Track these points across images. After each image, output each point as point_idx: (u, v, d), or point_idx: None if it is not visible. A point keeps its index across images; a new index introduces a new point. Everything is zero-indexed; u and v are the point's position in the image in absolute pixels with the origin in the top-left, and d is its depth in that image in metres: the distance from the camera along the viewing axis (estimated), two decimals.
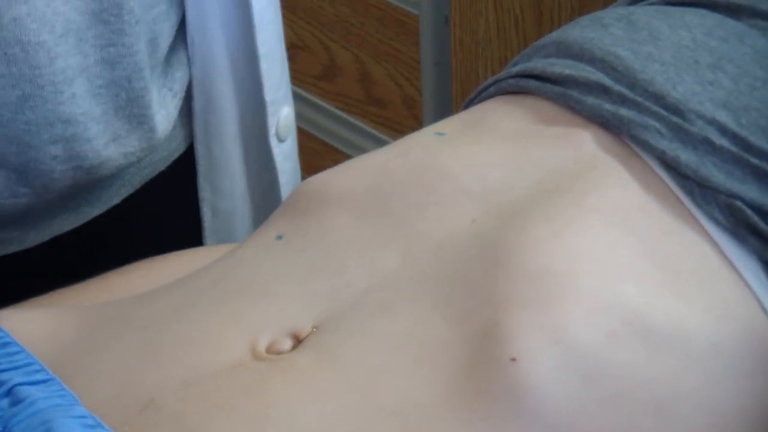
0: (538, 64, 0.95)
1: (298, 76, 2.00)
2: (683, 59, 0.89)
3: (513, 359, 0.76)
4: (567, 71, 0.91)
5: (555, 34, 0.98)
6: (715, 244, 0.81)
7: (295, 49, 1.96)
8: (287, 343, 0.81)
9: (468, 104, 1.00)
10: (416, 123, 1.81)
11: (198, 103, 1.12)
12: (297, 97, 2.03)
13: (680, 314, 0.79)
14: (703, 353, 0.78)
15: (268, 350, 0.81)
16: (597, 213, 0.84)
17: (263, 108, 1.14)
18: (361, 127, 1.94)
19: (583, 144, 0.88)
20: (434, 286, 0.82)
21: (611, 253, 0.81)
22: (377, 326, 0.80)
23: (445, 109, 1.77)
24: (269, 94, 1.13)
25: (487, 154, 0.90)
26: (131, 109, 1.05)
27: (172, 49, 1.08)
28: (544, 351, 0.76)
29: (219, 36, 1.12)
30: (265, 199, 1.19)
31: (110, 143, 1.03)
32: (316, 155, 1.81)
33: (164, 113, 1.07)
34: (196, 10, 1.10)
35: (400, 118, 1.88)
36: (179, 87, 1.09)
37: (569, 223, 0.83)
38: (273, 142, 1.14)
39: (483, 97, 0.98)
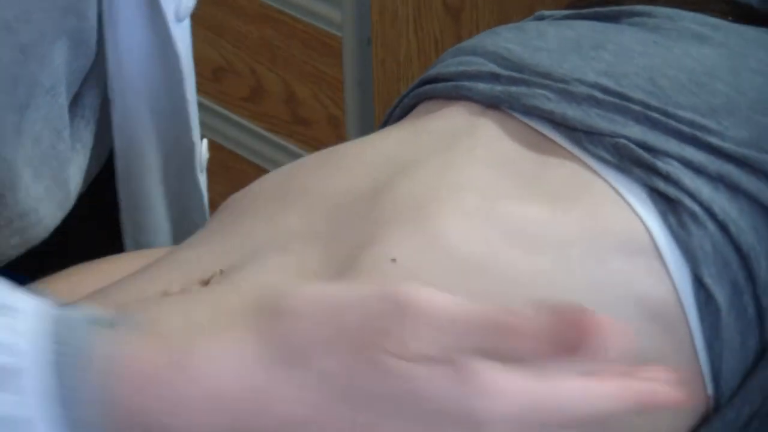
0: (435, 70, 1.02)
1: (225, 98, 2.01)
2: (568, 45, 0.96)
3: (393, 260, 0.81)
4: (460, 68, 0.98)
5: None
6: (601, 177, 0.88)
7: (222, 71, 1.99)
8: (196, 286, 0.84)
9: (384, 124, 1.06)
10: (340, 141, 1.85)
11: (119, 144, 1.10)
12: (224, 119, 2.05)
13: (557, 224, 0.86)
14: (579, 256, 0.84)
15: (181, 291, 0.85)
16: (480, 159, 0.90)
17: (190, 149, 1.14)
18: (286, 146, 1.96)
19: (473, 116, 0.95)
20: (328, 228, 0.86)
21: (492, 184, 0.87)
22: (274, 263, 0.83)
23: (367, 128, 1.80)
24: (195, 136, 1.13)
25: (386, 140, 0.97)
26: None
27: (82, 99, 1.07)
28: (424, 254, 0.81)
29: (142, 89, 1.10)
30: (192, 226, 1.18)
31: (57, 213, 1.03)
32: (243, 175, 1.82)
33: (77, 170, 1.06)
34: (117, 63, 1.07)
35: (324, 137, 1.90)
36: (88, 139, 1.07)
37: (453, 164, 0.89)
38: (199, 176, 1.15)
39: (395, 117, 1.05)
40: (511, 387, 0.61)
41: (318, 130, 1.92)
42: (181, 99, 1.11)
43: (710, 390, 0.87)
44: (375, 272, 0.82)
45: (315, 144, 1.85)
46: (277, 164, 1.87)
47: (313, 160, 0.98)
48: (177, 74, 1.10)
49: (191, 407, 0.63)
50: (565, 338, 0.61)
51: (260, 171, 1.68)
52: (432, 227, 0.84)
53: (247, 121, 1.99)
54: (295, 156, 1.90)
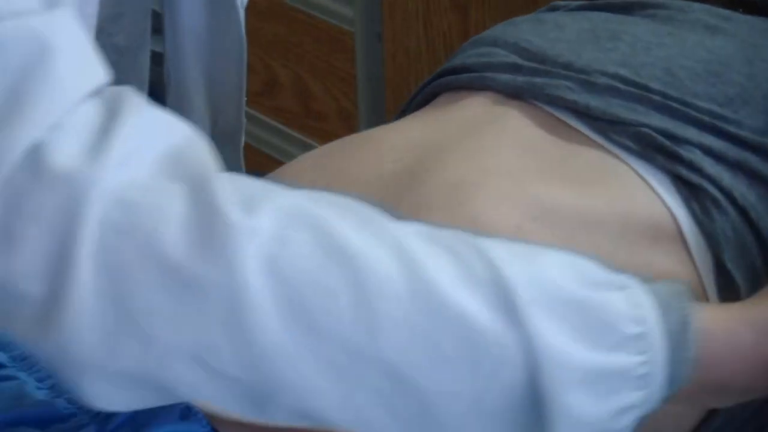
0: (457, 61, 1.03)
1: None
2: (585, 37, 0.98)
3: None
4: (483, 59, 1.00)
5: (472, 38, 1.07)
6: (626, 164, 0.90)
7: None
8: None
9: (402, 114, 1.08)
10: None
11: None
12: None
13: (586, 207, 0.88)
14: (608, 238, 0.87)
15: None
16: (508, 145, 0.92)
17: (238, 131, 1.18)
18: (300, 139, 1.97)
19: (497, 105, 0.96)
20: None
21: (521, 169, 0.89)
22: None
23: (379, 121, 1.80)
24: (242, 118, 1.18)
25: (414, 126, 0.98)
26: None
27: None
28: None
29: (199, 75, 1.13)
30: None
31: None
32: (258, 166, 1.84)
33: None
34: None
35: (336, 130, 1.90)
36: None
37: (482, 150, 0.91)
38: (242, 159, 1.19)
39: (414, 105, 1.06)
40: None
41: (330, 123, 1.92)
42: (238, 85, 1.13)
43: None
44: None
45: (327, 137, 1.85)
46: (290, 156, 1.89)
47: (347, 143, 0.99)
48: (239, 60, 1.12)
49: (758, 362, 0.74)
50: None
51: (275, 163, 1.70)
52: (468, 211, 0.86)
53: (262, 114, 2.00)
54: (308, 148, 1.93)
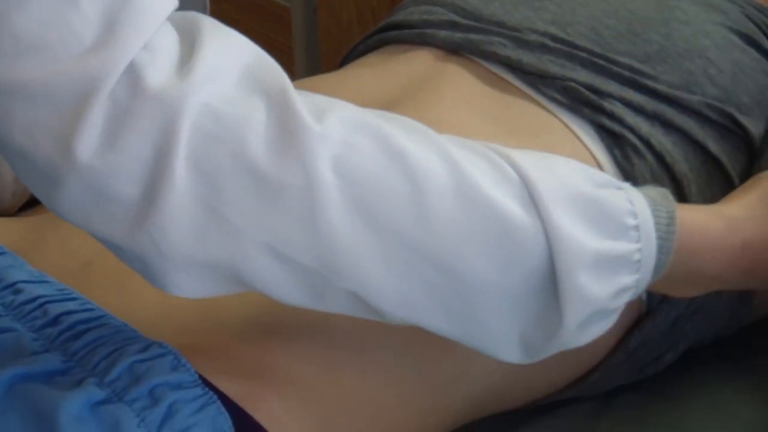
0: (399, 17, 1.08)
1: None
2: None
3: None
4: (423, 16, 1.05)
5: None
6: (556, 116, 0.95)
7: None
8: None
9: (343, 62, 1.13)
10: None
11: None
12: None
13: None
14: None
15: None
16: (451, 97, 0.97)
17: None
18: None
19: (439, 61, 1.02)
20: None
21: (462, 120, 0.94)
22: None
23: None
24: None
25: (362, 79, 1.03)
26: None
27: None
28: None
29: None
30: None
31: None
32: None
33: None
34: None
35: None
36: None
37: (429, 102, 0.97)
38: None
39: (356, 55, 1.11)
40: None
41: None
42: None
43: (643, 297, 0.94)
44: None
45: None
46: None
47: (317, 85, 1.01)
48: None
49: (726, 251, 0.82)
50: None
51: None
52: None
53: None
54: None
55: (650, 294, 0.93)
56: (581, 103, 0.96)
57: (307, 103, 0.71)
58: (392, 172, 0.71)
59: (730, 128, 0.97)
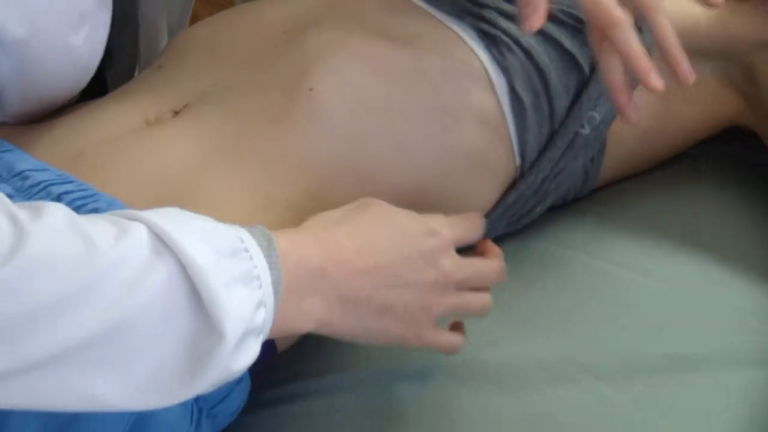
0: None
1: None
2: None
3: (310, 89, 0.99)
4: None
5: None
6: (446, 25, 1.04)
7: None
8: (168, 115, 1.02)
9: None
10: None
11: None
12: None
13: (418, 60, 1.00)
14: (443, 81, 0.99)
15: (156, 120, 1.01)
16: (358, 14, 1.05)
17: None
18: None
19: None
20: (262, 68, 1.03)
21: (366, 33, 1.01)
22: (227, 104, 1.01)
23: None
24: None
25: (280, 6, 1.10)
26: None
27: None
28: (332, 85, 0.99)
29: None
30: None
31: None
32: None
33: None
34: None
35: None
36: None
37: (341, 18, 1.04)
38: None
39: None
40: None
41: None
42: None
43: (518, 163, 1.05)
44: (301, 99, 0.98)
45: None
46: None
47: (236, 16, 1.12)
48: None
49: (327, 246, 0.83)
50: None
51: None
52: (331, 65, 1.01)
53: None
54: None
55: (522, 159, 1.05)
56: (466, 12, 1.06)
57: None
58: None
59: (579, 28, 1.07)
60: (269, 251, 0.79)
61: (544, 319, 1.03)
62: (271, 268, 0.79)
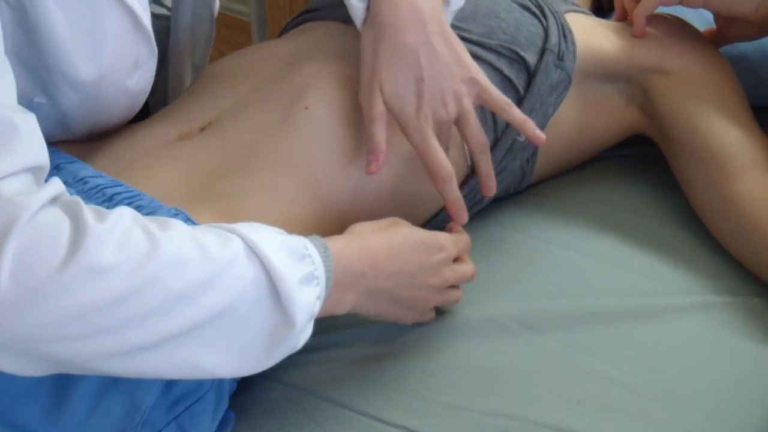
0: (313, 3, 1.28)
1: None
2: None
3: (306, 108, 1.09)
4: (324, 2, 1.26)
5: None
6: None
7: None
8: (196, 131, 1.13)
9: (281, 34, 1.32)
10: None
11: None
12: None
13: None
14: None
15: (187, 135, 1.12)
16: (338, 54, 1.15)
17: None
18: None
19: (331, 29, 1.21)
20: (268, 90, 1.14)
21: (345, 64, 1.12)
22: (242, 120, 1.12)
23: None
24: None
25: (290, 43, 1.20)
26: None
27: None
28: (322, 102, 1.09)
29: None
30: None
31: None
32: None
33: None
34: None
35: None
36: None
37: (326, 54, 1.15)
38: None
39: (287, 30, 1.31)
40: None
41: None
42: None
43: (469, 163, 1.18)
44: (298, 114, 1.08)
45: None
46: None
47: (250, 53, 1.24)
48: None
49: (366, 254, 0.98)
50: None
51: None
52: (324, 87, 1.11)
53: None
54: None
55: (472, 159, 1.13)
56: None
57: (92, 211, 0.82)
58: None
59: (515, 59, 1.19)
60: (325, 257, 0.93)
61: (494, 285, 1.19)
62: (326, 271, 0.93)
